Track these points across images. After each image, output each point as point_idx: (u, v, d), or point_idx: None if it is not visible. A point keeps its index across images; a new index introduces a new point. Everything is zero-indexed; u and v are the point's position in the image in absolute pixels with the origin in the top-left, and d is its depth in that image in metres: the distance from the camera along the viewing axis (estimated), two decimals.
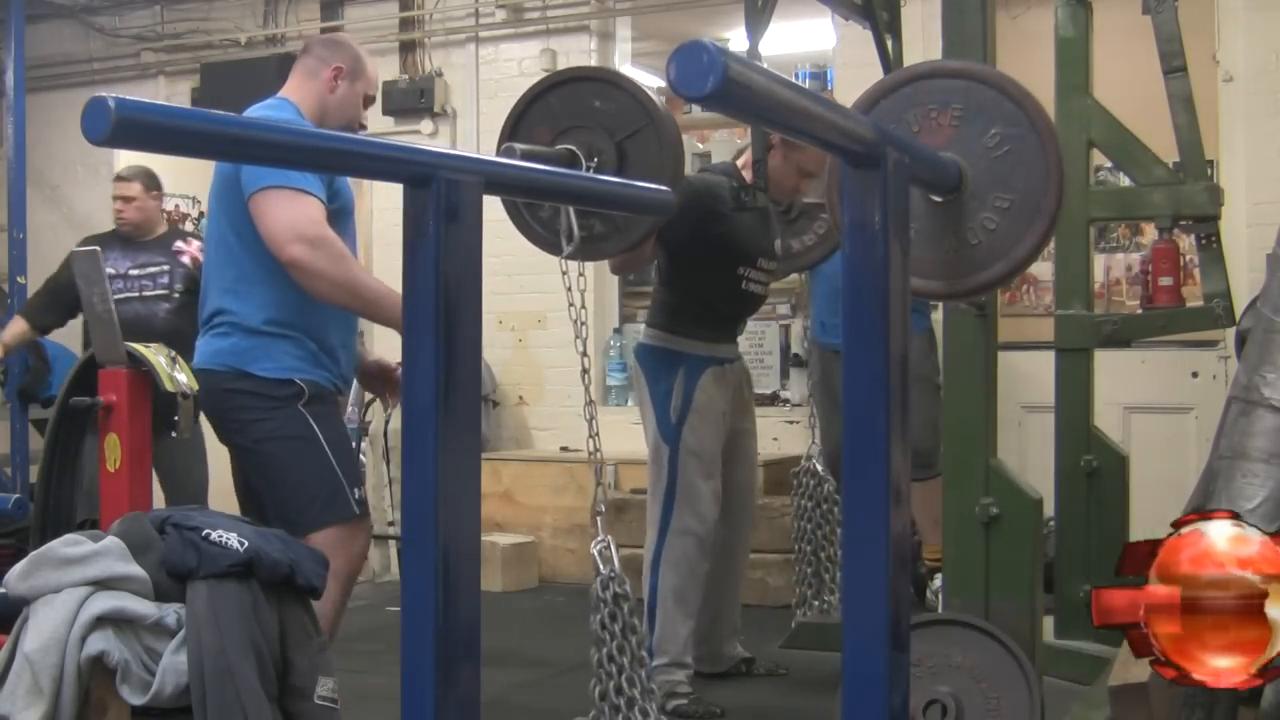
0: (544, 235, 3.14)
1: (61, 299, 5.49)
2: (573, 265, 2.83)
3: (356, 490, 3.20)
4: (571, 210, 2.57)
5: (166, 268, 5.44)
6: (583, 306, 2.87)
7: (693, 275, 4.06)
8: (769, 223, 4.20)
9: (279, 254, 3.06)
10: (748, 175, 4.11)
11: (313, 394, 3.17)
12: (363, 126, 3.47)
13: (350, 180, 3.44)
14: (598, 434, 3.02)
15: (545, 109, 3.23)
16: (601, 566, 2.89)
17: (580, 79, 3.28)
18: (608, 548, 2.89)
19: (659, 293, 4.19)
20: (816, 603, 4.59)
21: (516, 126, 3.26)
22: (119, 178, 5.57)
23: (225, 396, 3.18)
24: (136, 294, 5.30)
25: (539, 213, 3.14)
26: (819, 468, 4.55)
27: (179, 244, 5.55)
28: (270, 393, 3.14)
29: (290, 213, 3.06)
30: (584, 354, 2.91)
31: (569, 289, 2.87)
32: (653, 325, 4.14)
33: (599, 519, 2.89)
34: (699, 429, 3.99)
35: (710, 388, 4.01)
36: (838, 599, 4.55)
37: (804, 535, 4.57)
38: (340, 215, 3.26)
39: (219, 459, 3.37)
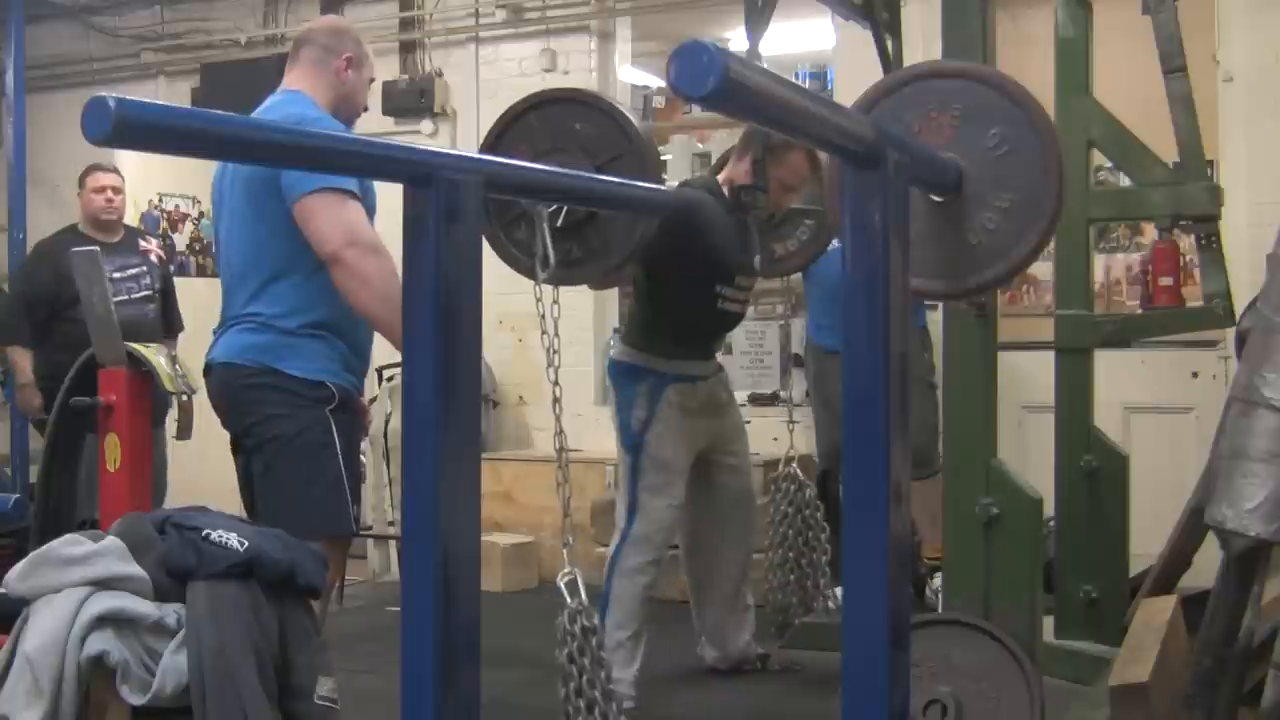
0: (520, 259, 3.03)
1: (36, 310, 5.46)
2: (546, 291, 2.77)
3: (355, 507, 3.19)
4: (548, 234, 2.52)
5: (144, 268, 5.44)
6: (555, 334, 2.82)
7: (669, 292, 4.02)
8: (749, 238, 4.15)
9: (331, 255, 2.99)
10: (727, 189, 4.10)
11: (341, 400, 3.13)
12: (365, 108, 3.45)
13: None
14: (567, 464, 2.97)
15: (525, 128, 3.17)
16: (569, 599, 2.86)
17: (562, 100, 3.22)
18: (574, 580, 2.87)
19: (633, 309, 4.16)
20: (802, 609, 4.59)
21: (497, 144, 3.23)
22: (101, 169, 5.49)
23: (246, 391, 3.11)
24: (125, 296, 5.28)
25: (515, 235, 3.09)
26: (799, 473, 4.55)
27: (142, 243, 5.57)
28: (299, 391, 3.09)
29: (343, 216, 3.01)
30: (555, 383, 2.84)
31: (543, 316, 2.82)
32: (625, 341, 4.14)
33: (566, 551, 2.87)
34: (663, 438, 3.97)
35: (675, 402, 3.99)
36: (826, 603, 4.55)
37: (786, 541, 4.56)
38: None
39: (223, 459, 3.36)
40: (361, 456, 6.41)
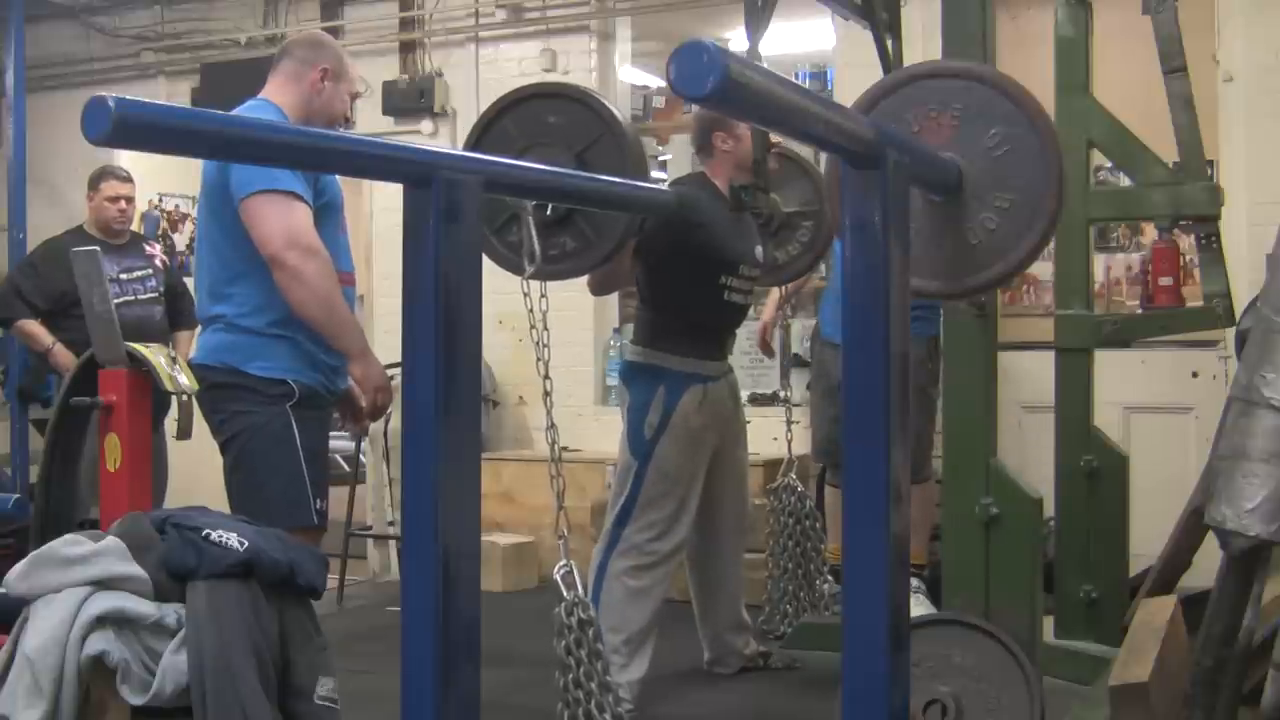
0: (509, 257, 3.03)
1: (39, 309, 5.44)
2: (534, 286, 2.77)
3: (319, 501, 3.25)
4: (533, 229, 2.53)
5: (149, 271, 5.49)
6: (545, 328, 2.84)
7: (674, 289, 4.01)
8: (748, 229, 4.15)
9: (271, 256, 3.10)
10: (720, 184, 4.08)
11: (303, 396, 3.22)
12: (350, 122, 3.50)
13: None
14: (560, 458, 3.01)
15: (501, 133, 3.20)
16: (565, 592, 2.88)
17: (531, 97, 3.25)
18: (570, 573, 2.88)
19: (641, 310, 4.14)
20: (799, 613, 4.58)
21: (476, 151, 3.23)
22: (118, 177, 5.53)
23: (213, 390, 3.25)
24: (133, 297, 5.32)
25: (508, 237, 3.08)
26: (798, 483, 4.55)
27: (146, 247, 5.64)
28: (261, 390, 3.20)
29: (286, 218, 3.11)
30: (546, 376, 2.87)
31: (530, 310, 2.83)
32: (636, 342, 4.11)
33: (562, 544, 2.89)
34: (671, 449, 3.94)
35: (689, 408, 3.96)
36: (824, 609, 4.55)
37: (786, 551, 4.56)
38: (329, 210, 3.29)
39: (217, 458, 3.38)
40: (361, 456, 6.51)
